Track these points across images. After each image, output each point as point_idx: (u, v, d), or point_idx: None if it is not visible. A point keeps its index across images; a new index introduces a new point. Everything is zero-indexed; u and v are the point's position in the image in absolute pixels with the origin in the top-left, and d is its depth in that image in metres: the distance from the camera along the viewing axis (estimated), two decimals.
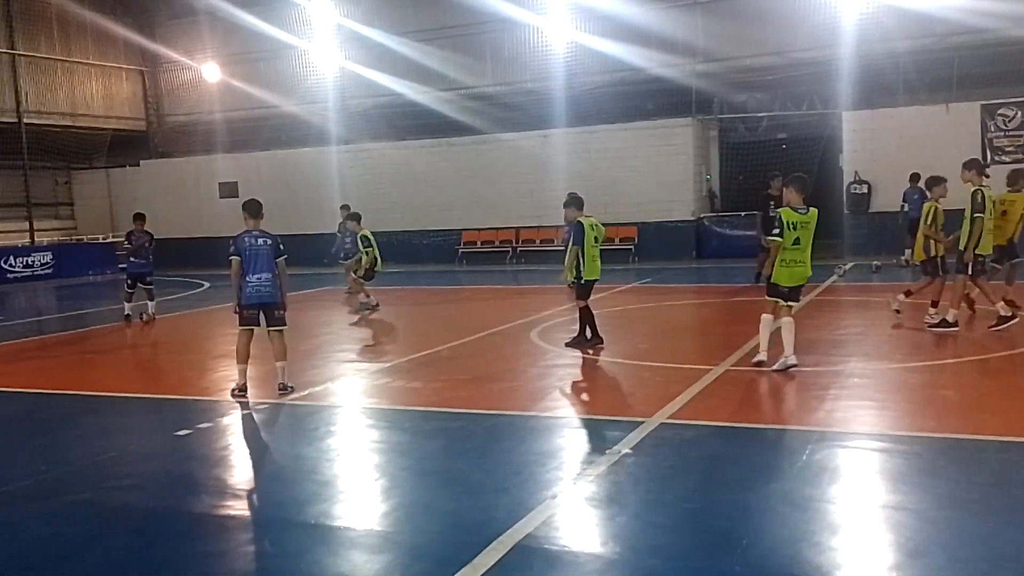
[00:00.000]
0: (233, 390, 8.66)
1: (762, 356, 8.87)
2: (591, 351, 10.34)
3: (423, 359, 10.46)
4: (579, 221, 10.37)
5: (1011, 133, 20.71)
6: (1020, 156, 20.17)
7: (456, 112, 26.10)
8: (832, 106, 22.90)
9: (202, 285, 21.80)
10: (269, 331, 8.71)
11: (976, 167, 10.72)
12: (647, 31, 23.87)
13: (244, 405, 8.38)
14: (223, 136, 29.88)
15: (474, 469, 6.16)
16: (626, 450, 6.26)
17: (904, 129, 21.41)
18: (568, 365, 9.91)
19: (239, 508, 5.79)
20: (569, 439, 7.05)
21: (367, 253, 15.38)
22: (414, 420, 7.77)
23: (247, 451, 7.26)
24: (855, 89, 22.19)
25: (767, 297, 9.02)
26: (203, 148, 30.18)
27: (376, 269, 15.65)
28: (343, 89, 28.57)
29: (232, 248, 8.58)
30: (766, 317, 8.97)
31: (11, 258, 25.99)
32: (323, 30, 28.23)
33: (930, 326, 10.80)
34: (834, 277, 17.02)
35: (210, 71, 30.43)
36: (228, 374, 8.87)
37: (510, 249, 25.71)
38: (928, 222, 10.90)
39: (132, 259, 15.01)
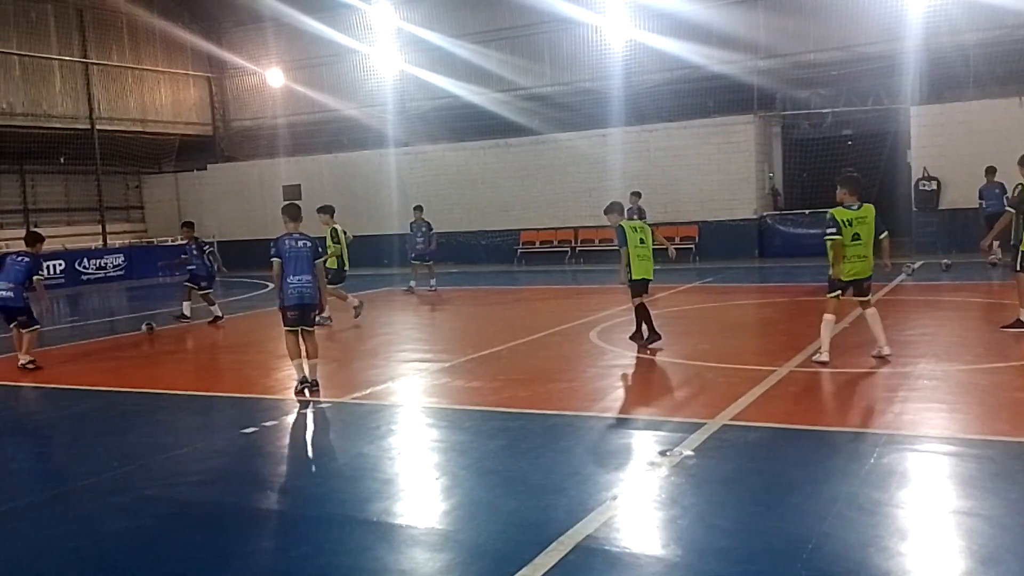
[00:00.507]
0: (297, 387, 8.78)
1: (824, 356, 8.86)
2: (648, 350, 10.35)
3: (482, 359, 10.52)
4: (620, 225, 10.67)
5: None
6: None
7: (514, 113, 26.15)
8: (899, 101, 22.34)
9: (266, 286, 22.21)
10: (302, 330, 8.87)
11: None
12: (707, 28, 23.62)
13: (307, 404, 8.52)
14: (286, 140, 30.49)
15: (534, 469, 6.17)
16: (687, 452, 6.20)
17: (974, 123, 20.76)
18: (628, 365, 9.86)
19: (303, 504, 5.89)
20: (629, 440, 7.00)
21: (333, 249, 13.76)
22: (474, 419, 7.81)
23: (310, 448, 7.40)
24: (922, 83, 21.63)
25: (827, 296, 9.13)
26: (267, 152, 30.81)
27: (345, 270, 14.37)
28: (402, 92, 28.87)
29: (273, 250, 8.79)
30: (828, 317, 9.04)
31: (85, 260, 26.90)
32: (383, 34, 28.57)
33: (1002, 327, 10.48)
34: (903, 276, 16.59)
35: (274, 76, 31.03)
36: (291, 373, 9.06)
37: (569, 249, 25.66)
38: None
39: (187, 267, 15.56)
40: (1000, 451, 6.13)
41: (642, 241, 10.64)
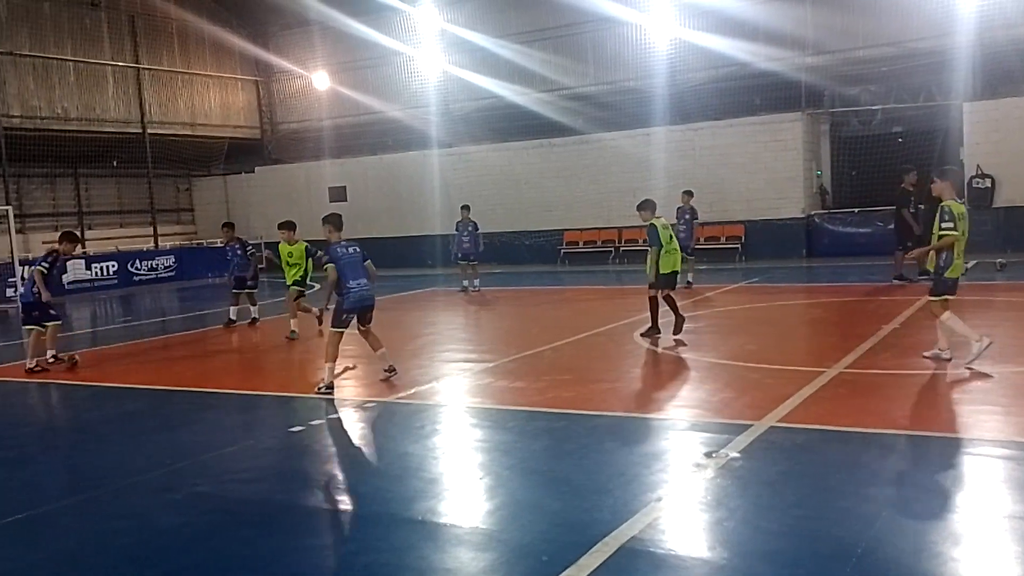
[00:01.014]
0: (320, 387, 8.98)
1: (982, 343, 8.38)
2: (675, 343, 10.84)
3: (526, 359, 10.52)
4: (652, 224, 11.07)
5: None
6: None
7: (557, 113, 26.11)
8: (951, 97, 21.82)
9: (312, 287, 22.46)
10: (361, 329, 9.45)
11: None
12: (753, 25, 23.33)
13: (353, 404, 8.62)
14: (331, 142, 30.80)
15: (578, 470, 6.15)
16: (734, 453, 6.14)
17: None
18: (673, 366, 9.79)
19: (349, 503, 5.96)
20: (674, 441, 6.95)
21: (300, 266, 13.81)
22: (518, 420, 7.81)
23: (356, 448, 7.48)
24: (976, 79, 21.13)
25: (932, 298, 8.65)
26: (313, 154, 31.17)
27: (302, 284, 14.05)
28: (446, 93, 28.99)
29: (327, 257, 9.24)
30: (947, 315, 8.55)
31: (137, 261, 27.48)
32: (427, 36, 28.73)
33: None
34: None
35: (320, 79, 31.38)
36: (337, 373, 9.18)
37: (613, 249, 25.53)
38: None
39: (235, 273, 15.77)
40: None
41: (671, 239, 11.17)
